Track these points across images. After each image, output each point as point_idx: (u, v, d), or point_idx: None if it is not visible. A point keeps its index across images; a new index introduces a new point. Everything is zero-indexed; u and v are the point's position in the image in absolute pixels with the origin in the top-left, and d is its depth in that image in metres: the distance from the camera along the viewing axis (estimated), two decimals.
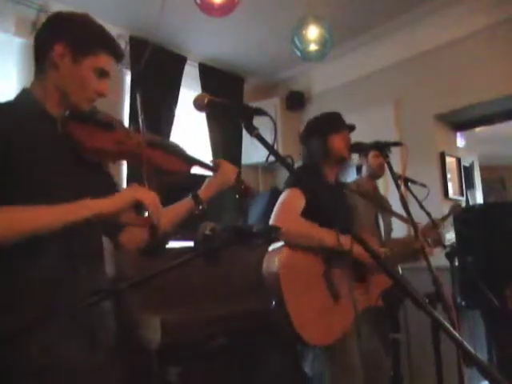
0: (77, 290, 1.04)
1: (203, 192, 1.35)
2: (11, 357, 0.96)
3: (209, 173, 1.44)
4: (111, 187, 1.26)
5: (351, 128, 2.00)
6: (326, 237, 1.71)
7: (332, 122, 1.98)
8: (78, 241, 1.10)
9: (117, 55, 1.18)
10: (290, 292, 1.63)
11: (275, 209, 1.78)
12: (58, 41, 1.09)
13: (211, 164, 1.42)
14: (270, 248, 1.80)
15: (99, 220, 1.03)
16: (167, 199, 1.40)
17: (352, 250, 1.59)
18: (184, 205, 1.34)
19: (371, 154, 2.76)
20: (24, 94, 1.14)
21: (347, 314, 1.69)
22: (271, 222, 1.73)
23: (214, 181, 1.39)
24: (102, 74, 1.15)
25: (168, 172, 1.28)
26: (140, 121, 1.27)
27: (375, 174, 2.78)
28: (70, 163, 1.12)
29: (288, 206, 1.76)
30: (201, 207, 1.32)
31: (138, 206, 1.07)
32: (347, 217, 1.90)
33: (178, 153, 1.32)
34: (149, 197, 1.08)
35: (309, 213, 1.74)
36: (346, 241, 1.60)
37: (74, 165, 1.12)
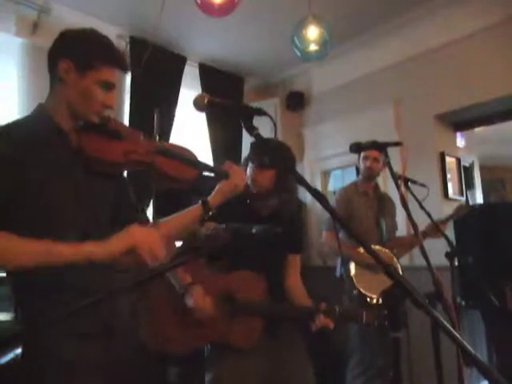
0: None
1: (213, 198, 1.34)
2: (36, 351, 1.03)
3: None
4: (123, 197, 1.30)
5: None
6: None
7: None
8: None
9: (120, 67, 1.20)
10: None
11: None
12: (63, 57, 1.14)
13: (221, 170, 1.39)
14: None
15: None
16: (178, 203, 1.40)
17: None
18: (193, 211, 1.33)
19: (361, 156, 2.76)
20: (39, 109, 1.19)
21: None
22: None
23: (224, 187, 1.36)
24: (107, 86, 1.17)
25: (177, 179, 1.28)
26: (156, 136, 1.32)
27: (364, 176, 2.79)
28: (82, 176, 1.15)
29: None
30: (210, 213, 1.32)
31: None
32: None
33: (186, 159, 1.31)
34: (146, 240, 1.05)
35: None
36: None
37: (86, 178, 1.16)
